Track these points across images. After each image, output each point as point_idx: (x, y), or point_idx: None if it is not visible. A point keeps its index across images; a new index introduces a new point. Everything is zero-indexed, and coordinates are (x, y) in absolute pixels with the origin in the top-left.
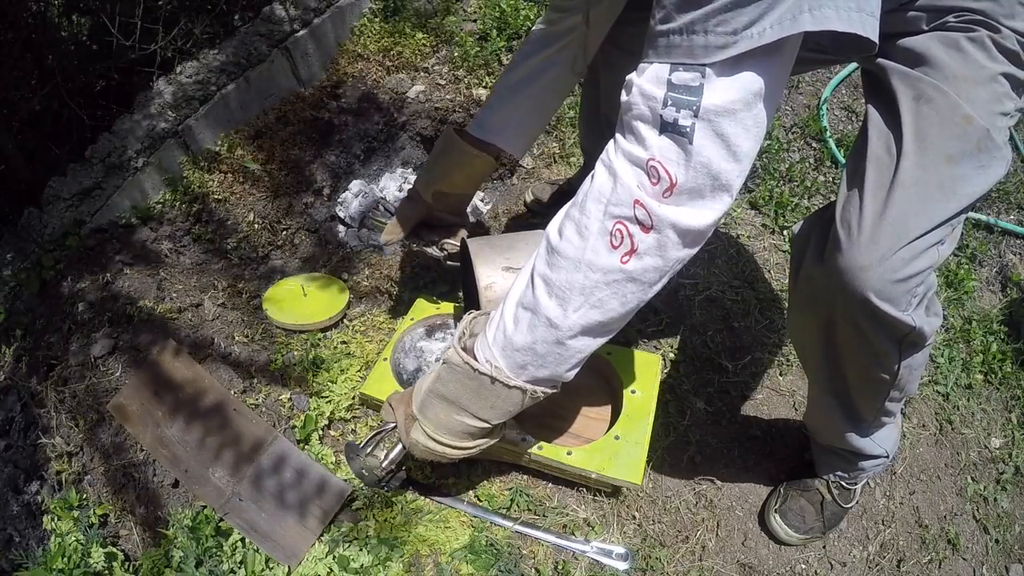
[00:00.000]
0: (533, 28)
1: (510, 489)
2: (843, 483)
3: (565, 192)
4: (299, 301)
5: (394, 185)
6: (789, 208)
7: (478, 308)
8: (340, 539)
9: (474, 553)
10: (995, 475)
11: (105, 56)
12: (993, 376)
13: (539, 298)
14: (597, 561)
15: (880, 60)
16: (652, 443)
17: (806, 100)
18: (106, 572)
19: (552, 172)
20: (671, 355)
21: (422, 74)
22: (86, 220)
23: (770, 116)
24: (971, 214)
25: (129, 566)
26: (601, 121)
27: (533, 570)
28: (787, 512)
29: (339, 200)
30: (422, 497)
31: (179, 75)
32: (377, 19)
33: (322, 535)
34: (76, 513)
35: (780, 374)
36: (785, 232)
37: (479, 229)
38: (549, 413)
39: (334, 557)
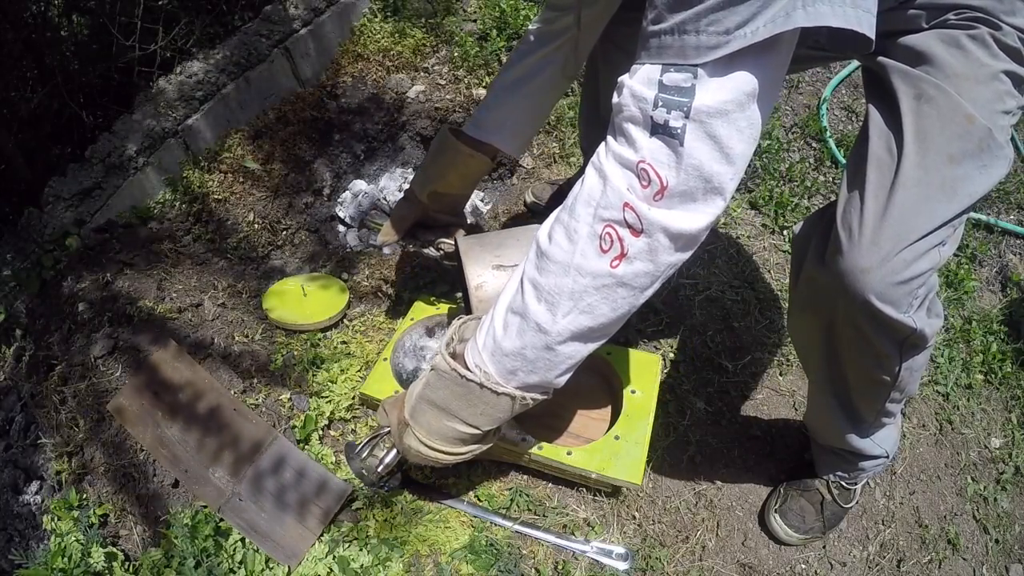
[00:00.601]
0: (529, 27)
1: (510, 489)
2: (843, 483)
3: (565, 192)
4: (299, 301)
5: (394, 185)
6: (789, 208)
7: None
8: (340, 539)
9: (474, 553)
10: (995, 475)
11: (105, 56)
12: (993, 376)
13: (528, 303)
14: (597, 561)
15: (880, 59)
16: (652, 443)
17: (806, 100)
18: (106, 572)
19: (552, 172)
20: (671, 355)
21: (422, 74)
22: (86, 220)
23: (765, 116)
24: (971, 214)
25: (129, 566)
26: (601, 121)
27: (533, 570)
28: (787, 512)
29: (339, 200)
30: (422, 497)
31: (179, 75)
32: (377, 19)
33: (322, 535)
34: (76, 513)
35: (780, 374)
36: (785, 232)
37: (478, 229)
38: (549, 413)
39: (334, 557)
